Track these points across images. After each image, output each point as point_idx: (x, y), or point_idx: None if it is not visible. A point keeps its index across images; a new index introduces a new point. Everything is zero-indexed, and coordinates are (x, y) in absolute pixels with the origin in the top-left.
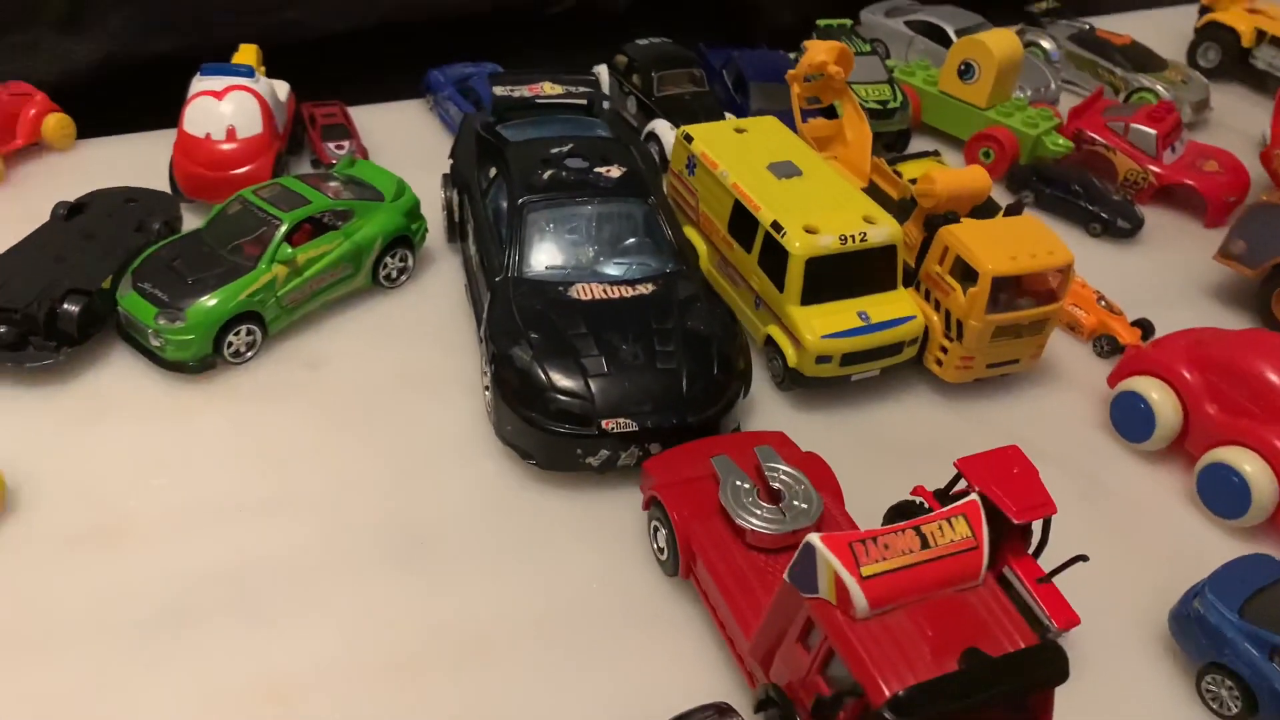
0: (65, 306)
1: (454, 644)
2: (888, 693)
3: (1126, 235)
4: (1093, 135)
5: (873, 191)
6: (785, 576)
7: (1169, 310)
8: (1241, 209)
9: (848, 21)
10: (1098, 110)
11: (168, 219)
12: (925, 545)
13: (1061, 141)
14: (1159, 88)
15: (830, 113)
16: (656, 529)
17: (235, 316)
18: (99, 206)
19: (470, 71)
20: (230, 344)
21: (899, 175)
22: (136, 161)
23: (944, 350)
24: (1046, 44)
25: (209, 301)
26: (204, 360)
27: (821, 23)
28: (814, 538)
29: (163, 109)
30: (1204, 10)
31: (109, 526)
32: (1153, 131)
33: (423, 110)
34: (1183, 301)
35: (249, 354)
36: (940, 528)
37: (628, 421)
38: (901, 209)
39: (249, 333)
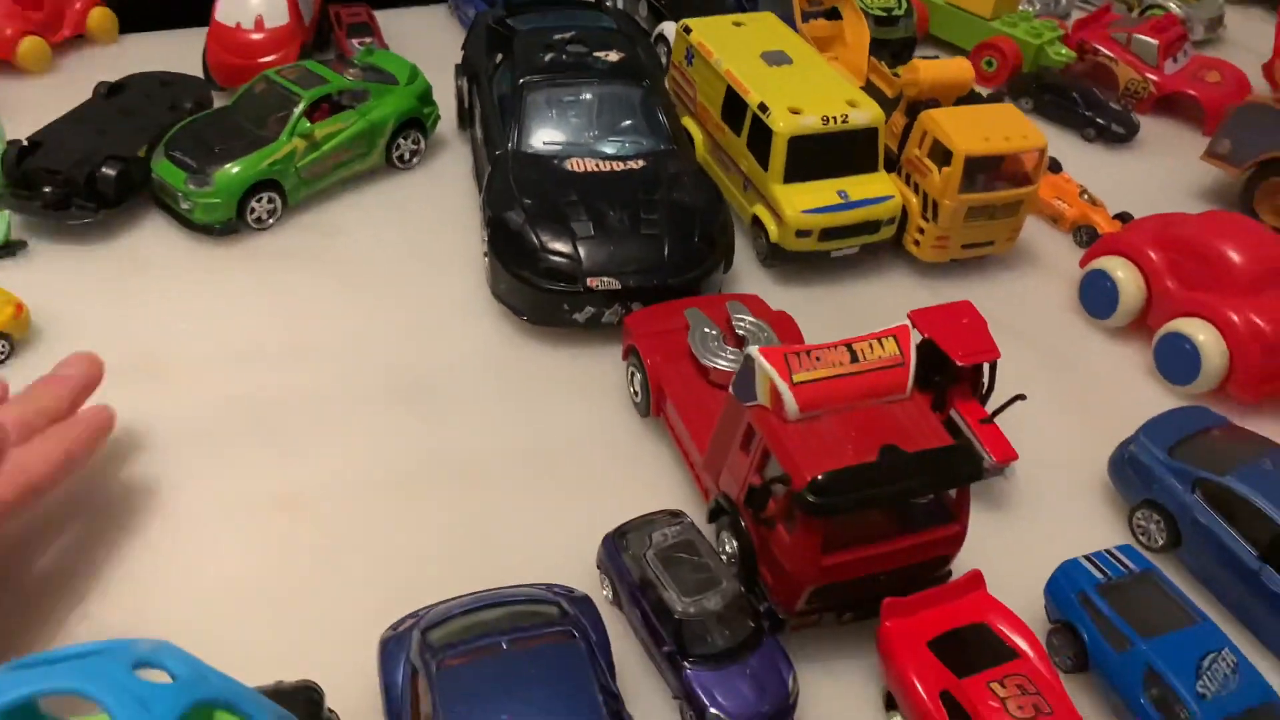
0: (104, 170)
1: (448, 469)
2: (808, 478)
3: (1121, 140)
4: (1096, 45)
5: (870, 90)
6: (729, 388)
7: (1155, 209)
8: (1231, 109)
9: None
10: (1104, 23)
11: (199, 100)
12: (854, 360)
13: (1064, 51)
14: (1172, 4)
15: (834, 15)
16: (633, 374)
17: (258, 184)
18: (137, 87)
19: None
20: (253, 210)
21: (897, 76)
22: (173, 54)
23: (921, 231)
24: None
25: (234, 168)
26: (228, 224)
27: None
28: (753, 349)
29: (199, 9)
30: None
31: (142, 362)
32: (1154, 41)
33: (445, 14)
34: (1169, 203)
35: (270, 220)
36: (870, 346)
37: (611, 280)
38: (891, 105)
39: (270, 200)
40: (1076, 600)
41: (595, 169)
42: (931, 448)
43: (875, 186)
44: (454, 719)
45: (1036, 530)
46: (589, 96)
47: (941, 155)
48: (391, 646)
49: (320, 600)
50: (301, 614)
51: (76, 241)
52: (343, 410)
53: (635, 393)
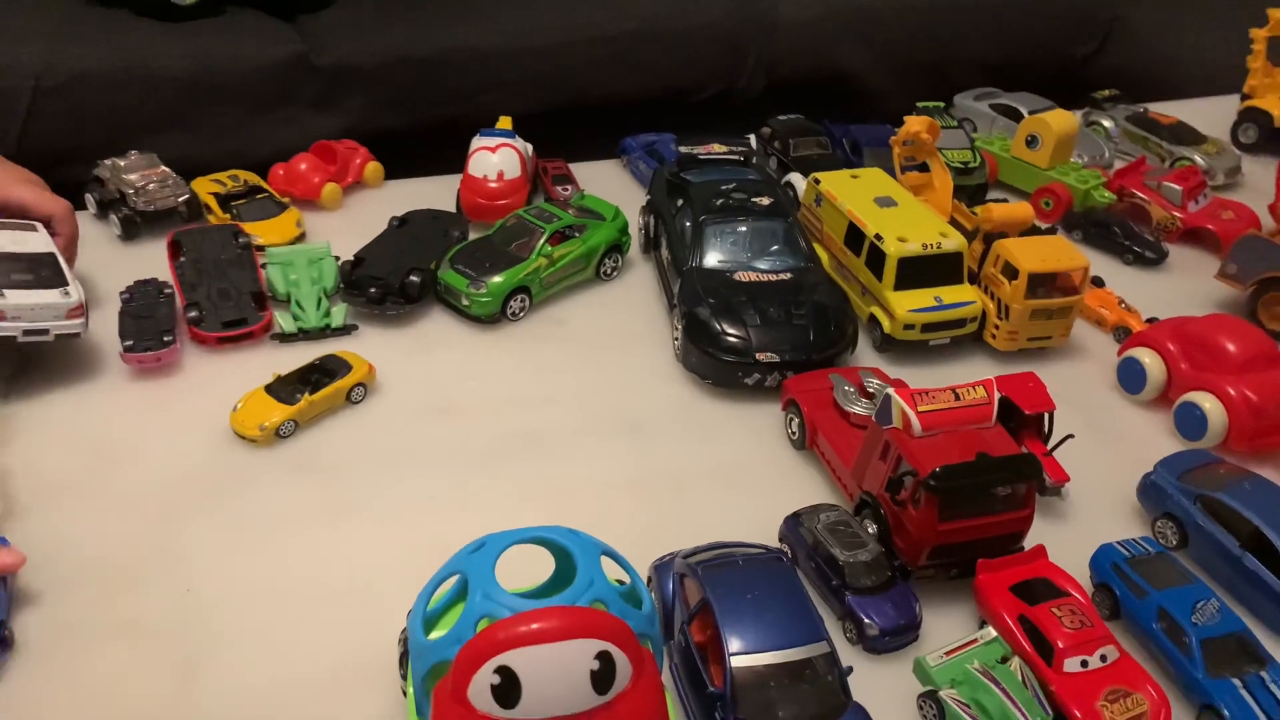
0: (410, 278)
1: (659, 480)
2: (929, 470)
3: (1153, 264)
4: (1132, 190)
5: (954, 224)
6: (873, 417)
7: (1178, 315)
8: (1235, 241)
9: (941, 104)
10: (1140, 172)
11: (461, 230)
12: (957, 399)
13: (1107, 195)
14: (1196, 157)
15: (924, 168)
16: (791, 419)
17: (515, 289)
18: (416, 219)
19: (654, 139)
20: (510, 307)
21: (974, 214)
22: (426, 195)
23: (996, 327)
24: (1107, 123)
25: (499, 278)
26: (494, 316)
27: (920, 105)
28: (890, 390)
29: (428, 162)
30: (1244, 97)
31: (443, 406)
32: (1179, 187)
33: (615, 167)
34: (1190, 310)
35: (521, 314)
36: (968, 390)
37: (773, 355)
38: (972, 235)
39: (522, 301)
40: (1110, 569)
41: (756, 279)
42: (1008, 455)
43: (961, 294)
44: (719, 594)
45: (1083, 532)
46: (747, 229)
47: (1011, 272)
48: (660, 568)
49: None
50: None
51: (389, 327)
52: (582, 438)
53: (793, 432)
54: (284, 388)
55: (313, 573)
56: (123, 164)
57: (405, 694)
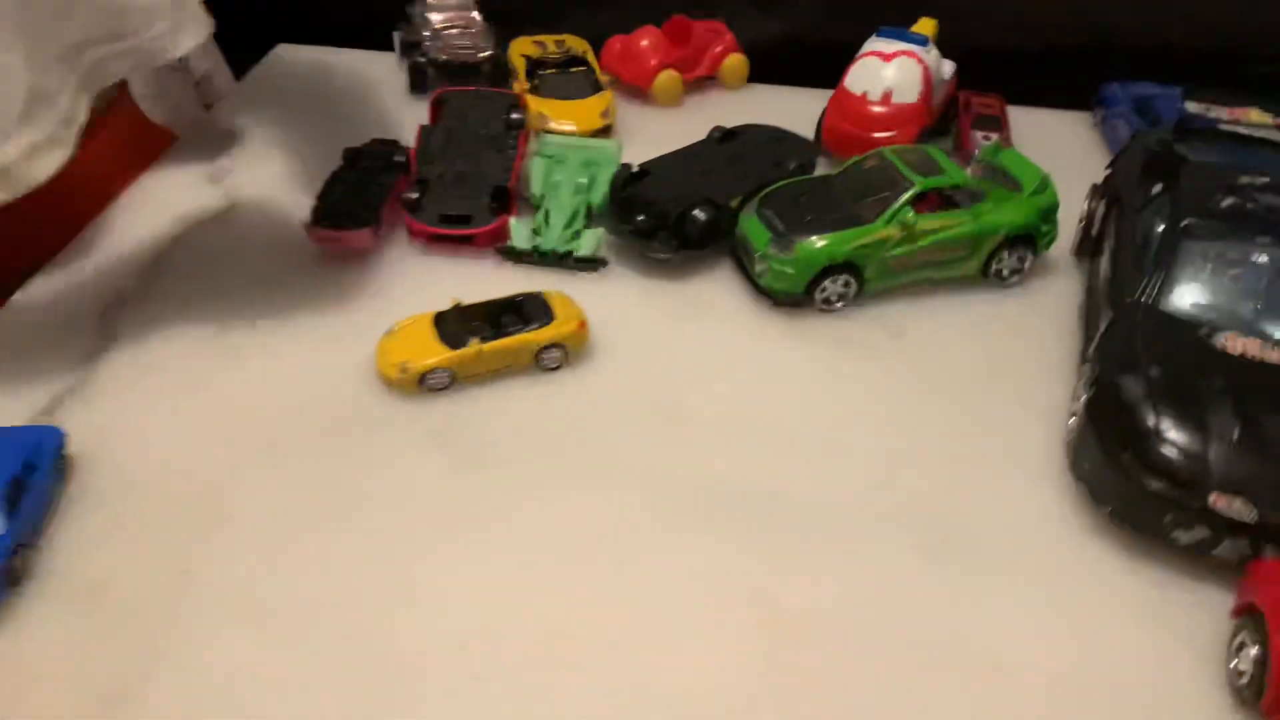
0: (695, 213)
1: (967, 661)
2: None
3: None
4: None
5: None
6: None
7: None
8: None
9: None
10: None
11: (803, 162)
12: None
13: None
14: None
15: None
16: (1242, 645)
17: (837, 264)
18: (748, 137)
19: (1154, 93)
20: (824, 289)
21: None
22: (790, 110)
23: None
24: None
25: (818, 242)
26: (793, 297)
27: None
28: None
29: (831, 73)
30: None
31: (662, 406)
32: None
33: (1083, 124)
34: None
35: (838, 304)
36: None
37: (1245, 506)
38: None
39: (845, 284)
40: None
41: (1258, 355)
42: None
43: None
44: None
45: None
46: (1267, 260)
47: None
48: None
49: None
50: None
51: (649, 273)
52: (857, 531)
53: (1240, 672)
54: (456, 323)
55: (361, 613)
56: (432, 1)
57: None
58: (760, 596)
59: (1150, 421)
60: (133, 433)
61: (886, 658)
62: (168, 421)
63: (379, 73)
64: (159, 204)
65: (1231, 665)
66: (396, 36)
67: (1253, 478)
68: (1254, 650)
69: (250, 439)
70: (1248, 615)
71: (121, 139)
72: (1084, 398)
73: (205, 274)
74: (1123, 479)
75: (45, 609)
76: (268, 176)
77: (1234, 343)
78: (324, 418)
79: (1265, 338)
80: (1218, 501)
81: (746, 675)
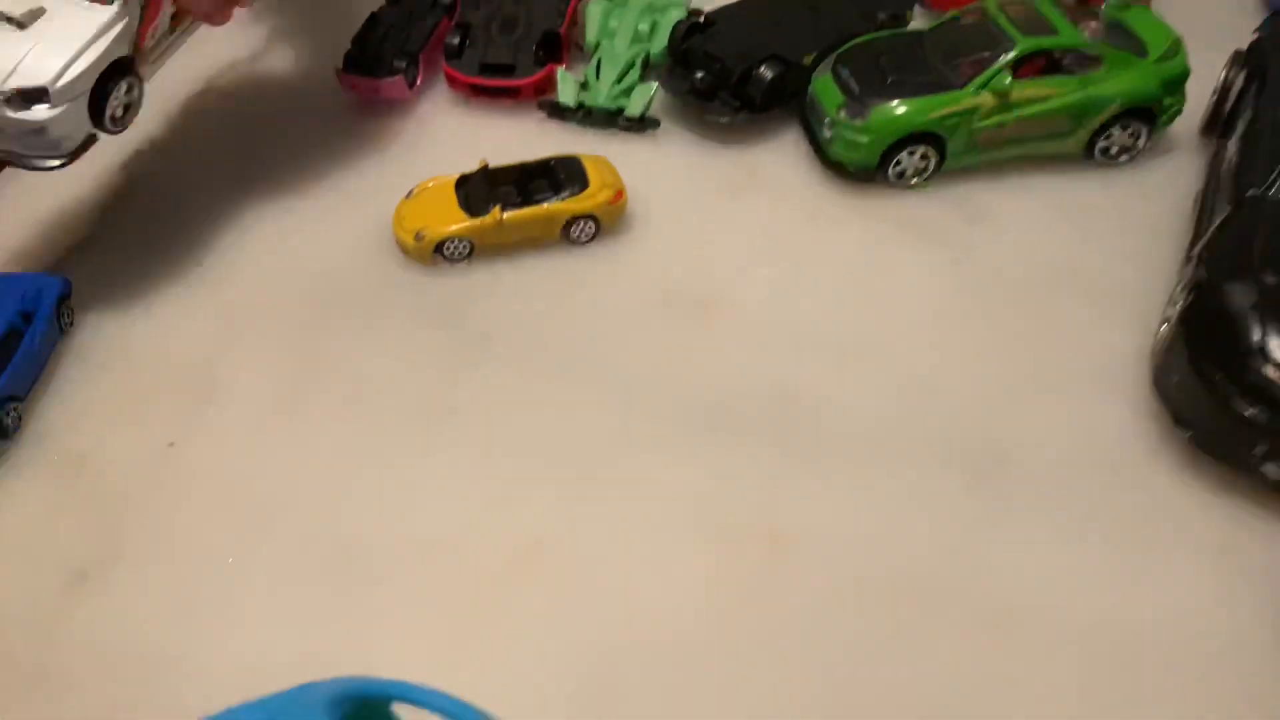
0: (760, 70)
1: (983, 605)
2: None
3: None
4: None
5: None
6: None
7: None
8: None
9: None
10: None
11: (896, 13)
12: None
13: None
14: None
15: None
16: None
17: (916, 133)
18: None
19: None
20: (899, 163)
21: None
22: None
23: None
24: None
25: (898, 108)
26: (864, 170)
27: None
28: None
29: None
30: None
31: (704, 297)
32: None
33: None
34: None
35: (916, 180)
36: None
37: None
38: None
39: (923, 157)
40: None
41: None
42: None
43: None
44: None
45: None
46: None
47: None
48: None
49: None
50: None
51: (706, 137)
52: (890, 454)
53: None
54: (480, 188)
55: (350, 504)
56: None
57: None
58: (763, 515)
59: (1255, 336)
60: (137, 295)
61: (893, 595)
62: (172, 285)
63: None
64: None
65: None
66: None
67: None
68: None
69: (252, 306)
70: None
71: None
72: (1180, 303)
73: (229, 123)
74: (1213, 399)
75: (24, 479)
76: (304, 16)
77: None
78: (331, 287)
79: None
80: None
81: (729, 596)
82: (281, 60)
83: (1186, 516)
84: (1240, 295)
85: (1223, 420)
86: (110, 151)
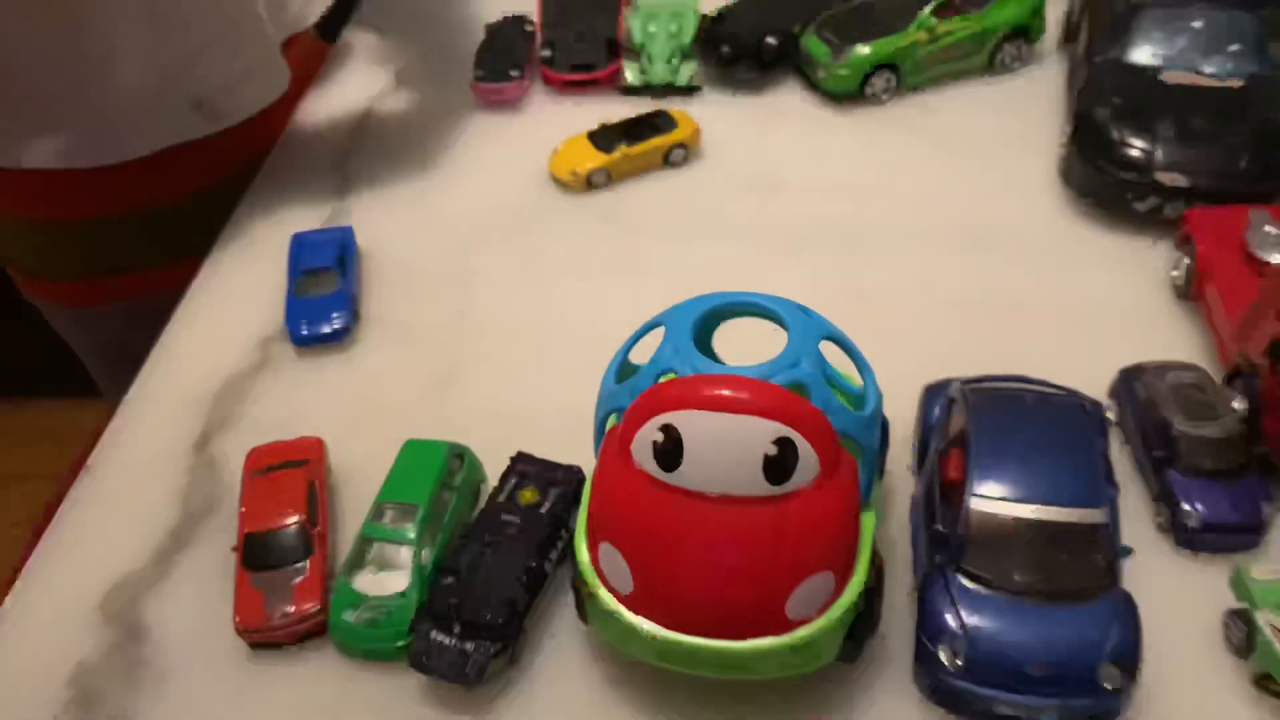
0: (768, 40)
1: (988, 303)
2: None
3: None
4: None
5: None
6: (1260, 259)
7: None
8: None
9: None
10: None
11: None
12: None
13: None
14: None
15: None
16: (1181, 259)
17: (881, 64)
18: None
19: None
20: (872, 85)
21: None
22: None
23: None
24: None
25: (864, 49)
26: (851, 93)
27: None
28: None
29: None
30: None
31: (767, 179)
32: None
33: None
34: None
35: (884, 97)
36: None
37: (1180, 178)
38: None
39: (887, 80)
40: None
41: (1191, 83)
42: None
43: None
44: (979, 424)
45: None
46: (1200, 20)
47: None
48: (932, 390)
49: (881, 354)
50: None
51: (736, 92)
52: (912, 243)
53: (1178, 276)
54: (605, 136)
55: (584, 317)
56: None
57: None
58: (842, 282)
59: (1114, 134)
60: (390, 235)
61: (936, 311)
62: (412, 226)
63: None
64: (344, 87)
65: (1173, 274)
66: None
67: (1185, 159)
68: (1186, 260)
69: (470, 229)
70: (1186, 243)
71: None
72: (1068, 131)
73: (403, 132)
74: (1098, 174)
75: (374, 342)
76: (429, 57)
77: (1172, 76)
78: (518, 213)
79: (1194, 72)
80: (1162, 177)
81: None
82: (417, 85)
83: (1098, 243)
84: (1102, 113)
85: (1106, 185)
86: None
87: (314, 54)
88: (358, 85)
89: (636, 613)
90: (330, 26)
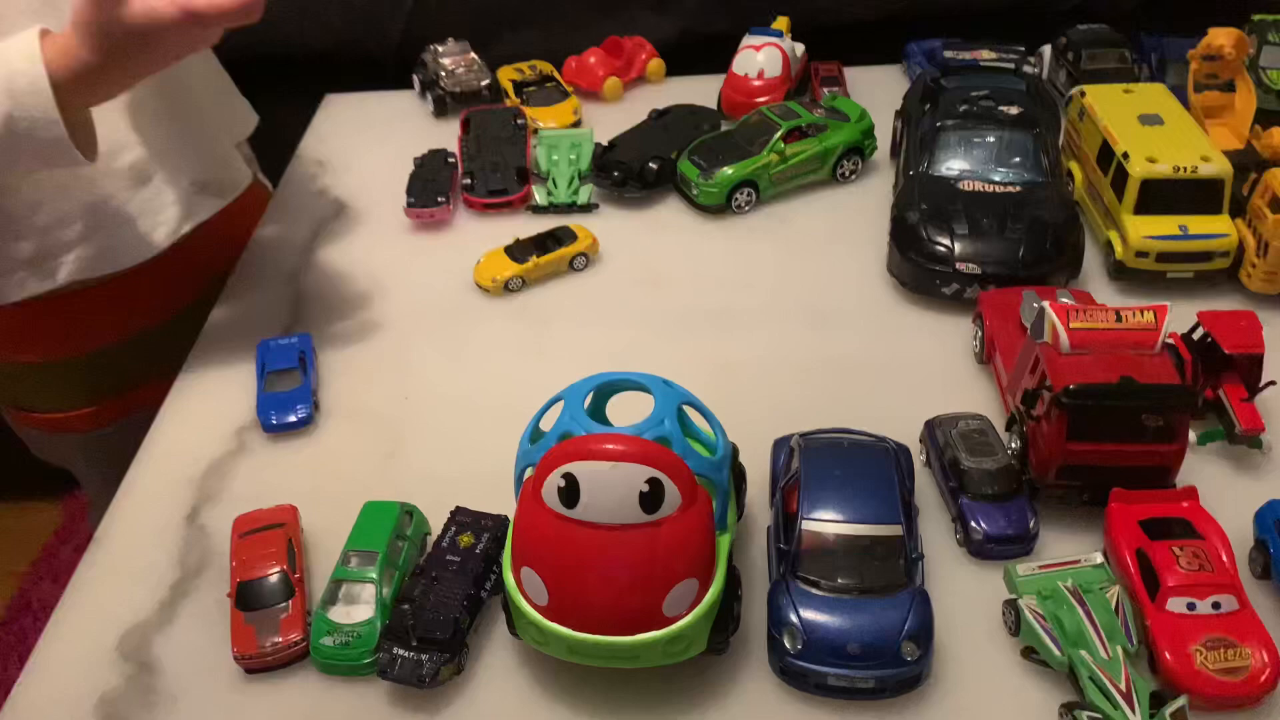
0: (649, 165)
1: (825, 367)
2: (1063, 386)
3: None
4: None
5: (1249, 152)
6: (1028, 329)
7: None
8: None
9: None
10: None
11: (713, 124)
12: (1119, 320)
13: None
14: None
15: (1229, 87)
16: (977, 332)
17: (742, 181)
18: (674, 114)
19: (936, 44)
20: (736, 199)
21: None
22: (698, 92)
23: (1253, 265)
24: None
25: (729, 170)
26: (718, 206)
27: (1256, 18)
28: (1045, 304)
29: (719, 60)
30: None
31: (651, 279)
32: None
33: (899, 72)
34: None
35: (747, 207)
36: (1134, 313)
37: (974, 266)
38: (1255, 164)
39: (748, 194)
40: (1273, 525)
41: (980, 189)
42: (1158, 383)
43: (1215, 225)
44: (809, 466)
45: (1271, 482)
46: (988, 138)
47: (1277, 205)
48: (779, 442)
49: (743, 412)
50: (734, 418)
51: (625, 207)
52: (766, 321)
53: (975, 345)
54: (519, 249)
55: (504, 395)
56: (441, 50)
57: None
58: (711, 356)
59: (923, 233)
60: (341, 335)
61: (785, 376)
62: (360, 327)
63: (406, 105)
64: (294, 214)
65: (973, 343)
66: (416, 78)
67: (977, 251)
68: (979, 332)
69: (408, 328)
70: (978, 318)
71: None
72: (891, 228)
73: (348, 250)
74: (912, 266)
75: (334, 425)
76: (367, 186)
77: (968, 185)
78: (448, 313)
79: (985, 180)
80: (962, 267)
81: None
82: (358, 210)
83: (912, 316)
84: (913, 216)
85: (918, 273)
86: (281, 275)
87: (260, 198)
88: (306, 211)
89: (552, 620)
90: None
